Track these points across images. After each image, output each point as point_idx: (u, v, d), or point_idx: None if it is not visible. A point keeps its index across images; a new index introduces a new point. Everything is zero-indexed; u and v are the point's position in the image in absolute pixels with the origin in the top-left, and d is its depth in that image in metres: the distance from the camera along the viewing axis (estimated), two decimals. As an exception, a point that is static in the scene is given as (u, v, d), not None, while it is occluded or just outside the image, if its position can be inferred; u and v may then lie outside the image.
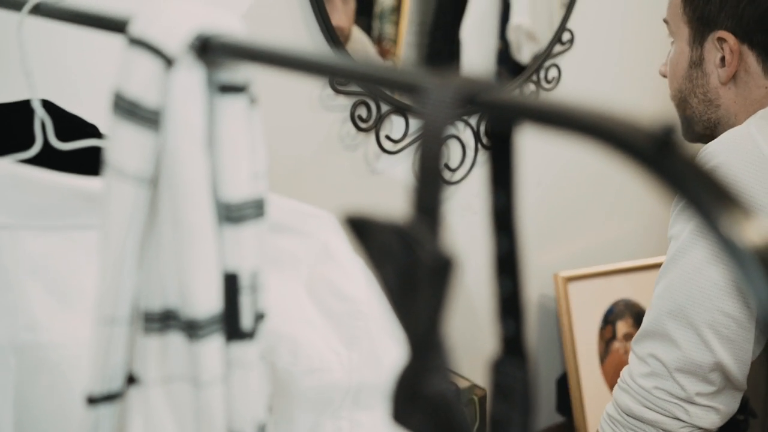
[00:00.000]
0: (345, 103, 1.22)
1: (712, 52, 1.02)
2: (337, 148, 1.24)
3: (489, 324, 1.38)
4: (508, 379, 0.37)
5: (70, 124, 0.71)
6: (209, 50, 0.44)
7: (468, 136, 1.37)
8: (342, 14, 1.19)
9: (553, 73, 1.48)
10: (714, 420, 0.93)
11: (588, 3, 1.50)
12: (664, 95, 1.14)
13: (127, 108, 0.45)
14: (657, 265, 0.99)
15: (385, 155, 1.28)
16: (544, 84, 1.47)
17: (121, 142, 0.45)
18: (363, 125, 1.24)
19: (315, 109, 1.20)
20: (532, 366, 0.37)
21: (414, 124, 1.28)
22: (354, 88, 1.20)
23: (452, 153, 1.35)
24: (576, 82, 1.51)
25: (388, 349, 0.67)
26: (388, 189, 1.29)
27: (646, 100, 1.64)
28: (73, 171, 0.61)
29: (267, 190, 0.50)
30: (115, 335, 0.48)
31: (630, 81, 1.62)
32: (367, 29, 1.25)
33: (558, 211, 1.58)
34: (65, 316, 0.58)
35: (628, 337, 1.54)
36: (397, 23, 1.28)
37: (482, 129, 1.37)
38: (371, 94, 1.22)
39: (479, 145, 1.38)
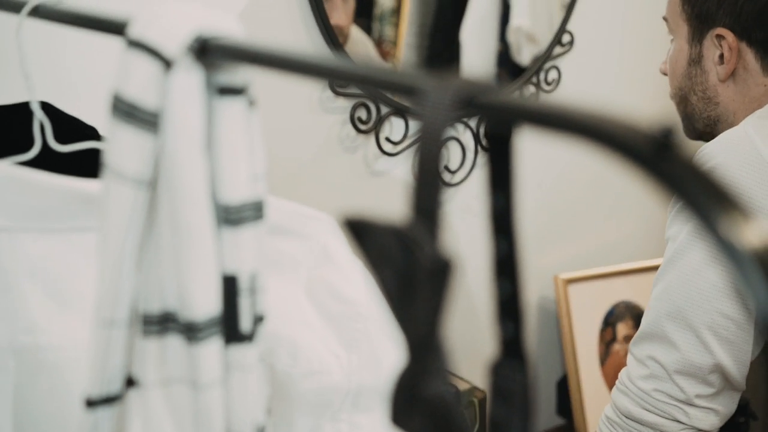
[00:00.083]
0: (345, 105, 1.22)
1: (710, 50, 1.02)
2: (337, 150, 1.24)
3: (488, 326, 1.38)
4: (508, 381, 0.37)
5: (69, 126, 0.71)
6: (208, 52, 0.44)
7: (468, 138, 1.37)
8: (342, 13, 1.20)
9: (553, 74, 1.48)
10: (713, 421, 0.93)
11: (588, 5, 1.50)
12: (665, 96, 1.14)
13: (125, 110, 0.45)
14: (657, 267, 0.98)
15: (385, 157, 1.28)
16: (544, 86, 1.47)
17: (120, 145, 0.45)
18: (363, 127, 1.24)
19: (314, 111, 1.20)
20: (531, 368, 0.37)
21: (414, 126, 1.28)
22: (354, 90, 1.20)
23: (452, 155, 1.35)
24: (576, 84, 1.51)
25: (388, 351, 0.67)
26: (388, 191, 1.29)
27: (646, 101, 1.64)
28: (72, 173, 0.61)
29: (266, 192, 0.50)
30: (113, 338, 0.48)
31: (630, 82, 1.62)
32: (367, 31, 1.25)
33: (558, 213, 1.58)
34: (64, 319, 0.58)
35: (628, 339, 1.54)
36: (397, 25, 1.28)
37: (482, 131, 1.37)
38: (371, 96, 1.22)
39: (479, 147, 1.38)
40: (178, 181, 0.45)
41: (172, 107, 0.44)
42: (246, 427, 0.49)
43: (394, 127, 1.28)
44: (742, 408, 1.00)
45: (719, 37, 1.00)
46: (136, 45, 0.45)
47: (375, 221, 0.34)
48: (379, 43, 1.27)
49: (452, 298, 0.33)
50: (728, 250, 0.26)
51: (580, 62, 1.51)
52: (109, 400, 0.49)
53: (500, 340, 0.38)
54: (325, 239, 0.66)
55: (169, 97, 0.44)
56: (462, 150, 1.36)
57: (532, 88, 1.45)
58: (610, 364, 1.52)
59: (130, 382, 0.50)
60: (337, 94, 1.19)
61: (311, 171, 1.23)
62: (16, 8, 0.59)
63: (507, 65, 1.43)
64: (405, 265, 0.34)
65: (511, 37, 1.42)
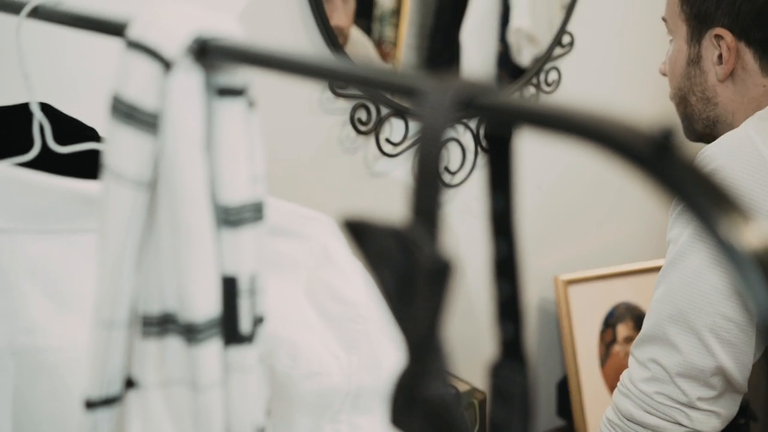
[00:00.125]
0: (344, 106, 1.22)
1: (709, 50, 1.02)
2: (337, 151, 1.24)
3: (488, 327, 1.38)
4: (508, 382, 0.37)
5: (68, 127, 0.71)
6: (208, 53, 0.44)
7: (468, 140, 1.37)
8: (342, 13, 1.19)
9: (553, 76, 1.48)
10: (715, 424, 0.92)
11: (588, 6, 1.50)
12: (665, 97, 1.14)
13: (125, 111, 0.45)
14: (658, 268, 0.98)
15: (385, 158, 1.28)
16: (544, 87, 1.47)
17: (120, 146, 0.45)
18: (362, 128, 1.24)
19: (314, 112, 1.20)
20: (531, 369, 0.37)
21: (414, 127, 1.28)
22: (353, 91, 1.20)
23: (452, 156, 1.35)
24: (576, 85, 1.51)
25: (388, 352, 0.66)
26: (388, 192, 1.29)
27: (647, 102, 1.64)
28: (72, 174, 0.61)
29: (266, 194, 0.50)
30: (113, 339, 0.48)
31: (630, 83, 1.62)
32: (367, 32, 1.25)
33: (558, 214, 1.58)
34: (63, 320, 0.58)
35: (628, 340, 1.54)
36: (397, 26, 1.28)
37: (482, 132, 1.37)
38: (371, 97, 1.22)
39: (479, 149, 1.38)
40: (178, 182, 0.45)
41: (172, 108, 0.44)
42: (246, 428, 0.49)
43: (394, 128, 1.28)
44: (743, 409, 0.99)
45: (718, 37, 1.00)
46: (136, 46, 0.45)
47: (375, 222, 0.34)
48: (379, 44, 1.27)
49: (452, 299, 0.33)
50: (728, 252, 0.26)
51: (580, 63, 1.51)
52: (108, 402, 0.49)
53: (500, 341, 0.38)
54: (325, 240, 0.66)
55: (169, 98, 0.44)
56: (462, 151, 1.36)
57: (532, 89, 1.45)
58: (611, 365, 1.52)
59: (129, 384, 0.50)
60: (337, 95, 1.19)
61: (311, 172, 1.23)
62: (16, 9, 0.59)
63: (507, 66, 1.43)
64: (405, 266, 0.34)
65: (512, 38, 1.42)
